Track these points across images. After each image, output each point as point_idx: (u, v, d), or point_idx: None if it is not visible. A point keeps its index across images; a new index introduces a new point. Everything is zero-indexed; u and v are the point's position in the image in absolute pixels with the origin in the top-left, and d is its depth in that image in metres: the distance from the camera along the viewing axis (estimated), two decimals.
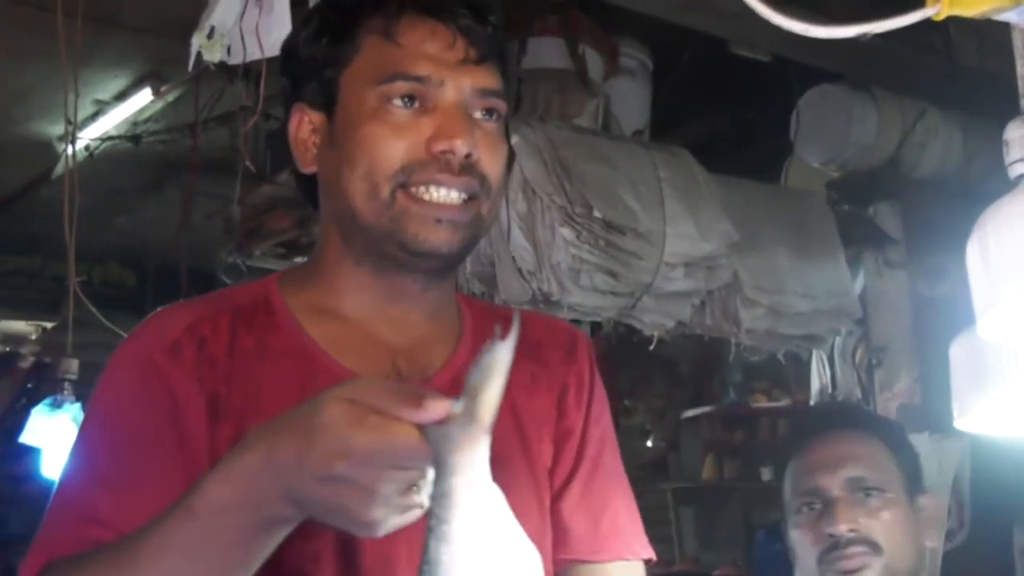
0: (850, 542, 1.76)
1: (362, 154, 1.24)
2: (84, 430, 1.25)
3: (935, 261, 3.43)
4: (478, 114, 1.26)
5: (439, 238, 1.24)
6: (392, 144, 1.23)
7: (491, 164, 1.26)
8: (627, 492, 1.45)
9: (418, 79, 1.23)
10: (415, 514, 0.95)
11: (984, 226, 0.81)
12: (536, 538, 1.27)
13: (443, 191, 1.23)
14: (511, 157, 2.84)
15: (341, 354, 1.26)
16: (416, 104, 1.24)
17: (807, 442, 1.88)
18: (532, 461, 1.34)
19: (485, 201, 1.26)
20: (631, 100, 3.48)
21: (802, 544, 1.83)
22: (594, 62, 3.27)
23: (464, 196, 1.24)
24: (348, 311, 1.31)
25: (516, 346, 1.31)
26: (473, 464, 0.94)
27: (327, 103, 1.28)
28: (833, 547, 1.76)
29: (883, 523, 1.78)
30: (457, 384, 1.22)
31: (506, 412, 1.27)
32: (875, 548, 1.76)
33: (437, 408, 0.93)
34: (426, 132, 1.23)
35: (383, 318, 1.31)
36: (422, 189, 1.23)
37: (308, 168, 1.32)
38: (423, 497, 0.94)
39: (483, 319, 1.38)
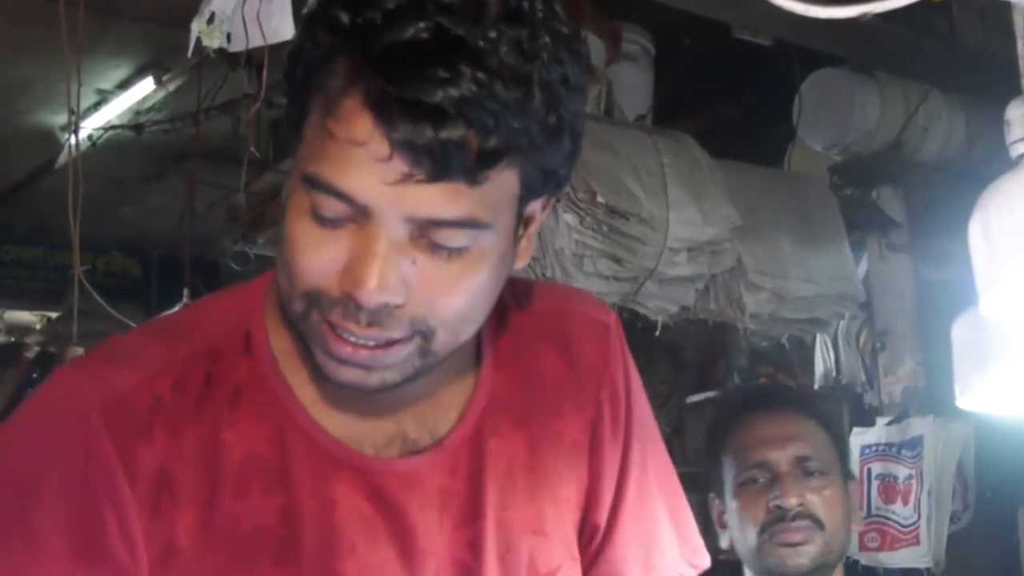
0: (796, 515, 1.85)
1: (285, 251, 0.97)
2: None
3: (938, 244, 3.43)
4: (424, 241, 0.93)
5: (348, 377, 0.98)
6: (305, 261, 0.95)
7: (438, 302, 0.95)
8: (677, 500, 1.29)
9: (338, 195, 0.91)
10: None
11: (985, 205, 0.81)
12: None
13: (351, 335, 0.95)
14: None
15: (333, 419, 1.05)
16: (340, 217, 0.93)
17: (749, 418, 1.97)
18: (562, 512, 1.16)
19: (430, 339, 0.97)
20: (634, 86, 3.48)
21: (743, 516, 1.91)
22: (596, 48, 3.27)
23: (380, 343, 0.96)
24: None
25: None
26: None
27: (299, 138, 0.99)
28: (779, 519, 1.85)
29: (825, 501, 1.88)
30: (476, 440, 1.09)
31: (535, 459, 1.13)
32: (818, 524, 1.86)
33: None
34: (344, 259, 0.93)
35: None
36: (333, 323, 0.96)
37: None
38: None
39: (507, 326, 1.16)
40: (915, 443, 3.30)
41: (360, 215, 0.92)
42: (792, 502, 1.85)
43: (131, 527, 0.98)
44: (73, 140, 3.17)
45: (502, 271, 1.00)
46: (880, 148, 3.57)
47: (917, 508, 3.23)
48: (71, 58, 2.74)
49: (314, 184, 0.92)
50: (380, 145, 0.89)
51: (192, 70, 3.80)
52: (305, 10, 0.96)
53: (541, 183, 0.98)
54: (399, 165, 0.89)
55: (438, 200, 0.90)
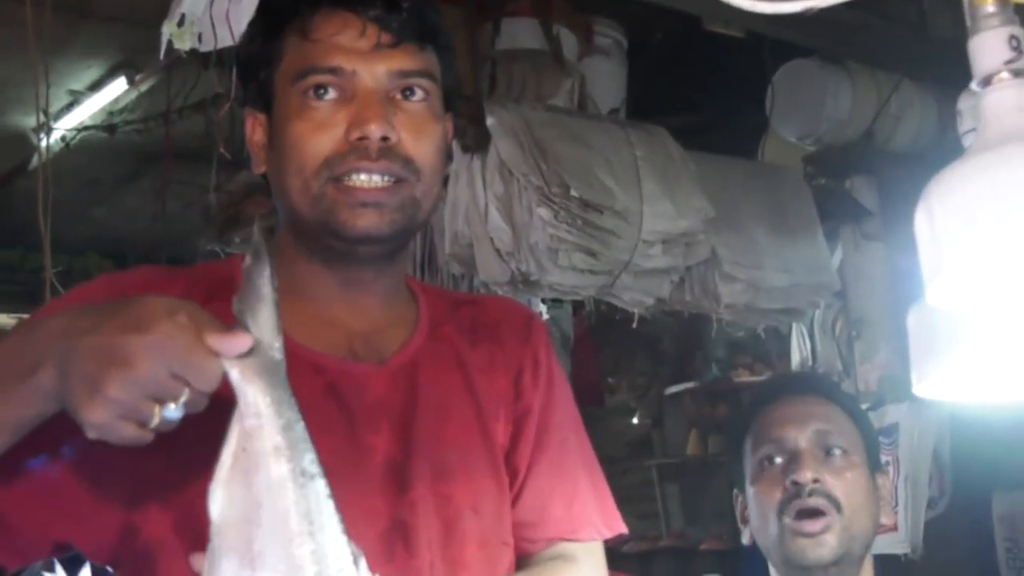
0: (813, 492, 1.74)
1: (292, 152, 1.27)
2: None
3: (911, 232, 3.45)
4: (399, 96, 1.28)
5: (367, 222, 1.26)
6: (315, 140, 1.26)
7: (416, 145, 1.28)
8: (596, 471, 1.48)
9: (331, 70, 1.26)
10: (144, 433, 0.98)
11: (930, 194, 0.83)
12: (495, 518, 1.33)
13: (364, 176, 1.25)
14: (483, 138, 2.85)
15: (298, 334, 1.26)
16: (334, 95, 1.26)
17: (773, 402, 1.87)
18: (491, 443, 1.36)
19: (416, 183, 1.28)
20: (606, 79, 3.49)
21: (761, 501, 1.80)
22: (568, 42, 3.28)
23: (387, 179, 1.26)
24: (306, 296, 1.32)
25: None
26: (275, 385, 0.99)
27: (266, 104, 1.32)
28: (796, 495, 1.75)
29: (845, 483, 1.77)
30: (415, 365, 1.32)
31: (465, 395, 1.35)
32: (835, 504, 1.75)
33: (242, 339, 0.99)
34: (345, 123, 1.25)
35: (340, 303, 1.34)
36: (346, 179, 1.25)
37: (259, 169, 1.35)
38: (166, 414, 0.97)
39: (438, 304, 1.43)
40: (891, 430, 3.34)
41: (349, 85, 1.26)
42: (807, 476, 1.74)
43: None
44: (44, 143, 3.17)
45: (445, 151, 1.36)
46: (853, 138, 3.60)
47: (894, 494, 3.26)
48: (39, 59, 2.73)
49: (310, 71, 1.26)
50: (355, 25, 1.27)
51: (163, 70, 3.79)
52: None
53: (451, 87, 1.37)
54: (371, 35, 1.27)
55: (403, 57, 1.28)
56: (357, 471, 1.23)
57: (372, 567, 1.14)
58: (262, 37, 1.33)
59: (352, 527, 1.13)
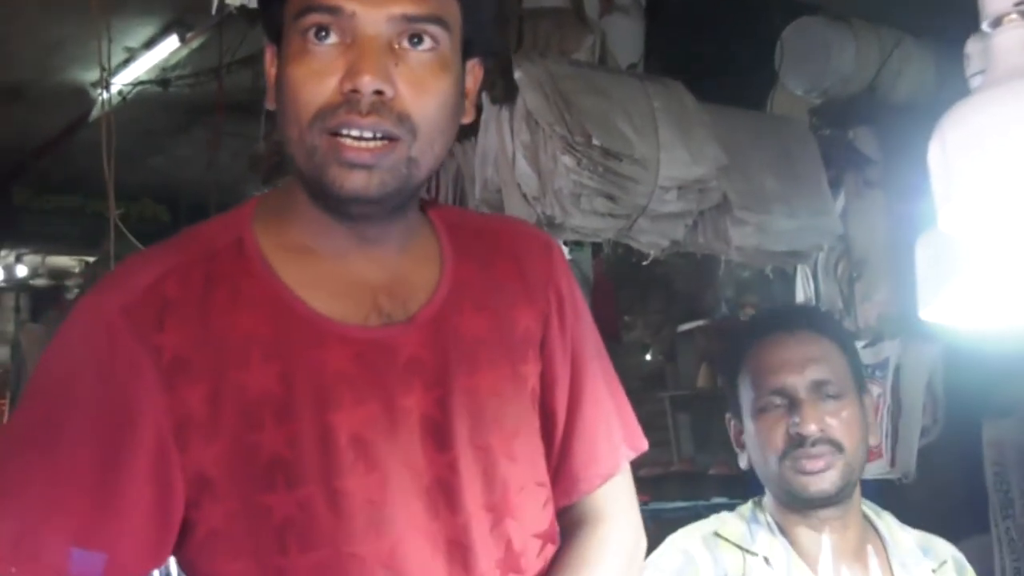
0: (816, 441, 1.75)
1: (289, 99, 1.12)
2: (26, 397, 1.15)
3: (911, 180, 3.43)
4: (405, 44, 1.11)
5: (355, 183, 1.11)
6: (310, 87, 1.10)
7: (416, 100, 1.11)
8: (621, 394, 1.40)
9: (329, 9, 1.09)
10: None
11: (943, 126, 0.83)
12: (529, 463, 1.26)
13: (355, 132, 1.09)
14: (511, 90, 2.82)
15: (318, 298, 1.16)
16: (335, 39, 1.11)
17: (768, 340, 1.84)
18: (522, 386, 1.27)
19: (412, 142, 1.12)
20: (625, 35, 3.45)
21: (763, 441, 1.80)
22: (591, 1, 3.25)
23: (378, 136, 1.10)
24: (323, 250, 1.19)
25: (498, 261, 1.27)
26: None
27: (277, 39, 1.17)
28: (799, 444, 1.75)
29: (844, 423, 1.78)
30: (443, 316, 1.22)
31: (494, 339, 1.25)
32: (838, 447, 1.76)
33: None
34: (342, 72, 1.10)
35: (358, 255, 1.20)
36: (338, 133, 1.10)
37: (270, 105, 1.20)
38: None
39: (460, 236, 1.29)
40: (886, 364, 3.34)
41: (349, 26, 1.10)
42: (812, 428, 1.74)
43: (156, 402, 1.10)
44: (105, 95, 3.18)
45: (456, 103, 1.18)
46: (856, 91, 3.56)
47: (882, 424, 3.27)
48: (100, 18, 2.73)
49: (309, 9, 1.10)
50: None
51: (214, 28, 3.78)
52: None
53: (473, 32, 1.18)
54: None
55: (409, 0, 1.10)
56: (396, 436, 1.15)
57: (417, 527, 1.14)
58: None
59: (396, 493, 1.14)
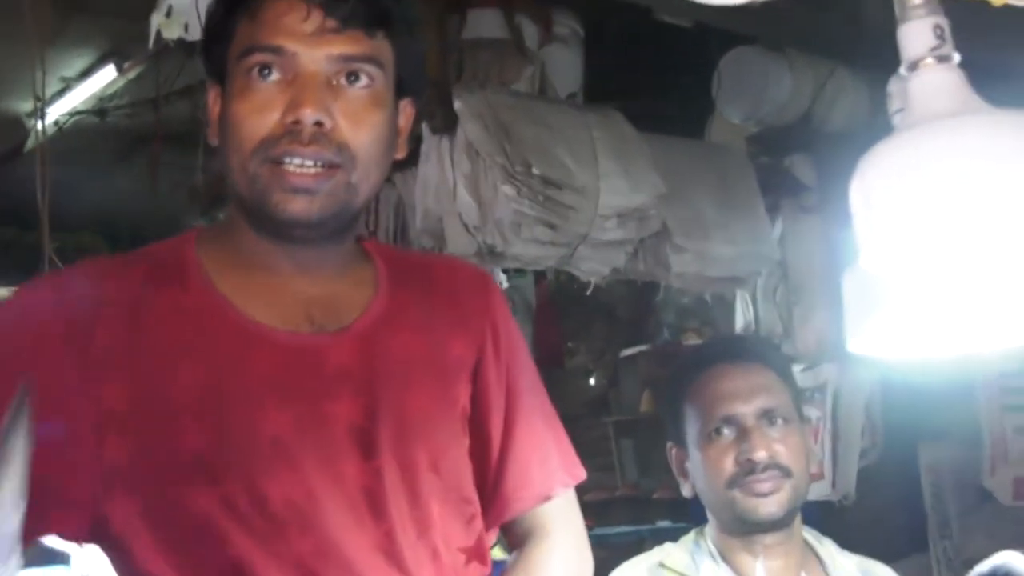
0: (767, 467, 1.80)
1: (233, 131, 1.21)
2: None
3: (845, 205, 3.48)
4: (343, 81, 1.21)
5: (297, 207, 1.19)
6: (253, 120, 1.19)
7: (354, 131, 1.20)
8: (557, 423, 1.46)
9: (272, 50, 1.19)
10: None
11: (863, 168, 0.85)
12: (454, 476, 1.30)
13: (297, 160, 1.18)
14: (450, 121, 2.84)
15: (251, 306, 1.23)
16: (277, 76, 1.20)
17: (713, 370, 1.88)
18: (452, 405, 1.32)
19: (351, 170, 1.21)
20: (565, 66, 3.48)
21: (712, 467, 1.84)
22: (529, 31, 3.27)
23: (319, 164, 1.19)
24: (260, 268, 1.26)
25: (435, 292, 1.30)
26: None
27: (220, 79, 1.26)
28: (749, 471, 1.80)
29: (790, 449, 1.83)
30: (376, 331, 1.26)
31: (426, 358, 1.29)
32: (787, 472, 1.81)
33: None
34: (283, 106, 1.19)
35: (295, 271, 1.27)
36: (280, 162, 1.18)
37: (213, 140, 1.29)
38: None
39: (397, 267, 1.36)
40: (824, 387, 3.38)
41: (291, 64, 1.19)
42: (762, 454, 1.79)
43: (81, 388, 1.15)
44: (40, 126, 3.14)
45: (390, 137, 1.27)
46: (792, 119, 3.62)
47: (823, 446, 3.32)
48: (35, 48, 2.71)
49: (253, 49, 1.20)
50: (301, 8, 1.19)
51: (151, 58, 3.76)
52: None
53: (408, 74, 1.28)
54: (316, 19, 1.19)
55: (347, 42, 1.21)
56: (320, 440, 1.19)
57: (342, 534, 1.16)
58: (219, 15, 1.27)
59: (319, 496, 1.16)
